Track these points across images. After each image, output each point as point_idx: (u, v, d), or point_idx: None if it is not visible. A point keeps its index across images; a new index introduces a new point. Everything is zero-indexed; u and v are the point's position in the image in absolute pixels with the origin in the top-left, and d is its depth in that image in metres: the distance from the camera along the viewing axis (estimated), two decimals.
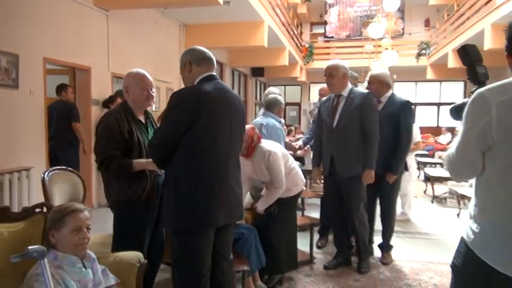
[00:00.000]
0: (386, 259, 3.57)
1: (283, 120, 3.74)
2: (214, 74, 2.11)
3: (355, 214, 3.24)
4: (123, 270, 1.93)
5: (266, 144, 2.89)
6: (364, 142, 3.16)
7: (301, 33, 14.69)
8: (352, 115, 3.15)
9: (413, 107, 3.62)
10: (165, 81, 7.39)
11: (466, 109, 1.32)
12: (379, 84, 3.50)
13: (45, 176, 2.54)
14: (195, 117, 1.91)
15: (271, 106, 3.58)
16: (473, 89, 1.52)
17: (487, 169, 1.32)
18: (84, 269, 1.74)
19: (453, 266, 1.45)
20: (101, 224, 3.29)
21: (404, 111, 3.39)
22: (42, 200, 4.10)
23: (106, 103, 5.46)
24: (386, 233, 3.61)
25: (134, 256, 2.00)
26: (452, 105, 1.66)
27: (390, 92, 3.53)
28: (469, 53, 1.64)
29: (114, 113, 2.35)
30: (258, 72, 13.12)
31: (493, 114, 1.23)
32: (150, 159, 2.18)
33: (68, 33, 4.92)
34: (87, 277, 1.73)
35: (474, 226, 1.34)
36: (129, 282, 1.92)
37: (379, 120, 3.28)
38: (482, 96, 1.27)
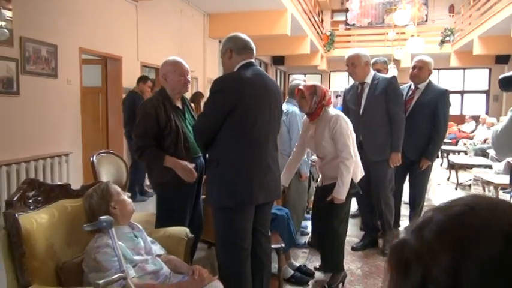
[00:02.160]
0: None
1: None
2: (253, 61, 2.23)
3: (382, 197, 3.33)
4: (172, 243, 2.10)
5: (333, 110, 2.73)
6: (391, 126, 3.23)
7: (322, 21, 14.58)
8: (378, 100, 3.20)
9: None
10: (190, 70, 7.53)
11: None
12: (428, 70, 3.52)
13: (94, 158, 2.72)
14: (236, 102, 2.04)
15: (292, 93, 3.60)
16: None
17: None
18: (136, 238, 1.91)
19: None
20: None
21: (444, 99, 3.44)
22: (80, 182, 4.37)
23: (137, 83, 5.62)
24: (415, 217, 3.69)
25: (182, 231, 2.17)
26: (502, 76, 1.67)
27: (428, 79, 3.55)
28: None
29: (153, 101, 2.48)
30: (278, 60, 13.16)
31: None
32: (186, 163, 2.35)
33: (100, 24, 5.10)
34: (139, 245, 1.90)
35: None
36: (178, 255, 2.08)
37: (416, 107, 3.35)
38: None
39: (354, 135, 2.68)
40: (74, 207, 1.99)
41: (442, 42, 13.24)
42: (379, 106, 3.21)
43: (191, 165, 2.38)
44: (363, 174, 2.82)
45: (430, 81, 3.54)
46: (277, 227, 2.84)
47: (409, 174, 3.69)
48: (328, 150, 2.63)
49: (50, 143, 4.38)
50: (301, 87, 2.70)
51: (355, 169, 2.67)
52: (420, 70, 3.51)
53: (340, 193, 2.54)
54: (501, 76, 1.64)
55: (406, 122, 3.42)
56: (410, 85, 3.61)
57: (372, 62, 4.05)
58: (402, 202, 3.90)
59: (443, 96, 3.45)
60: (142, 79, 5.32)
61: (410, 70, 3.61)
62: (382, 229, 3.54)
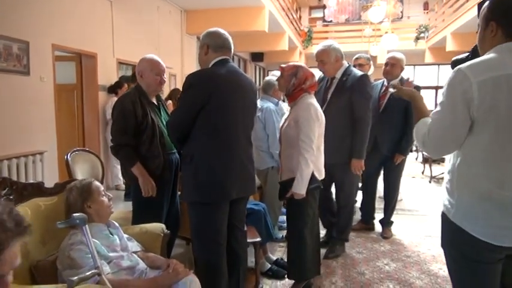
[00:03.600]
0: (386, 234, 3.78)
1: (281, 102, 3.77)
2: (228, 58, 2.25)
3: (342, 205, 3.31)
4: (149, 239, 2.12)
5: (314, 101, 2.53)
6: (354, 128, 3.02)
7: (300, 17, 14.70)
8: (343, 98, 2.99)
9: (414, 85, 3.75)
10: (167, 66, 7.47)
11: (446, 85, 1.37)
12: (400, 67, 3.59)
13: (68, 156, 2.70)
14: (208, 98, 2.06)
15: (266, 89, 3.61)
16: None
17: (467, 145, 1.37)
18: (111, 235, 1.92)
19: (443, 243, 1.53)
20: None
21: None
22: (56, 180, 4.30)
23: (113, 88, 5.59)
24: (388, 210, 3.81)
25: (158, 227, 2.19)
26: (454, 58, 1.74)
27: (401, 75, 3.63)
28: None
29: (130, 96, 2.50)
30: (257, 57, 13.19)
31: (474, 93, 1.28)
32: (151, 180, 2.41)
33: (74, 20, 5.01)
34: (115, 242, 1.91)
35: (453, 200, 1.42)
36: (155, 251, 2.10)
37: (389, 103, 3.43)
38: (463, 75, 1.30)
39: (322, 130, 2.51)
40: (47, 205, 1.97)
41: (417, 38, 13.54)
42: (343, 105, 2.99)
43: (153, 184, 2.43)
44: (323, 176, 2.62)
45: (402, 77, 3.62)
46: (254, 221, 2.88)
47: (383, 169, 3.79)
48: (290, 136, 2.46)
49: (23, 142, 4.29)
50: (283, 65, 2.58)
51: (319, 164, 2.54)
52: (392, 67, 3.59)
53: (299, 188, 2.37)
54: (454, 58, 1.72)
55: (380, 117, 3.53)
56: (383, 81, 3.70)
57: (354, 57, 4.14)
58: (377, 196, 4.01)
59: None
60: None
61: (383, 67, 3.70)
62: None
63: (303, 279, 2.66)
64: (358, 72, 3.12)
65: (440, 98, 1.41)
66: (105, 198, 1.92)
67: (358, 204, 4.24)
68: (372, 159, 3.68)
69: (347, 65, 3.12)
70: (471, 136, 1.35)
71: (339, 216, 3.31)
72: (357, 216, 4.11)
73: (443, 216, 1.49)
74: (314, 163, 2.43)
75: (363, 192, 3.97)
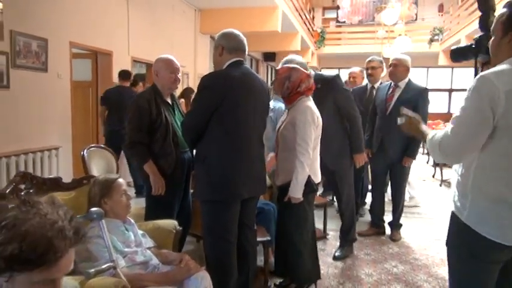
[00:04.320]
0: (395, 236, 3.79)
1: None
2: (243, 60, 2.29)
3: (344, 209, 3.32)
4: (161, 236, 2.18)
5: (312, 104, 2.50)
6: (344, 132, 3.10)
7: (313, 18, 14.67)
8: (328, 105, 2.95)
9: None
10: (181, 65, 7.55)
11: (472, 91, 1.37)
12: (405, 68, 3.57)
13: (85, 152, 2.78)
14: (222, 99, 2.10)
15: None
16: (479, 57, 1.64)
17: (485, 150, 1.40)
18: (126, 231, 1.98)
19: (450, 243, 1.57)
20: None
21: (423, 97, 3.50)
22: (70, 175, 4.40)
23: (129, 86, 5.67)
24: (397, 212, 3.81)
25: (171, 223, 2.25)
26: (454, 47, 1.75)
27: (408, 77, 3.62)
28: (488, 0, 1.65)
29: (146, 95, 2.58)
30: (269, 57, 13.20)
31: (502, 101, 1.31)
32: (161, 179, 2.48)
33: (91, 18, 5.11)
34: (130, 238, 1.97)
35: (466, 202, 1.46)
36: (167, 247, 2.16)
37: (396, 106, 3.41)
38: (491, 83, 1.32)
39: (318, 133, 2.49)
40: (65, 200, 2.04)
41: (431, 41, 13.43)
42: (332, 112, 2.99)
43: (163, 183, 2.51)
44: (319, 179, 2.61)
45: (409, 79, 3.61)
46: (264, 220, 2.92)
47: (390, 171, 3.79)
48: (287, 138, 2.44)
49: (39, 137, 4.39)
50: (279, 67, 2.57)
51: (315, 167, 2.50)
52: (395, 67, 3.58)
53: (295, 191, 2.36)
54: (454, 47, 1.73)
55: (387, 119, 3.53)
56: (391, 83, 3.69)
57: (367, 60, 4.16)
58: (386, 199, 4.02)
59: (422, 94, 3.53)
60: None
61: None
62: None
63: (303, 283, 2.65)
64: (327, 76, 3.13)
65: (464, 104, 1.41)
66: (123, 198, 1.97)
67: (367, 206, 4.29)
68: (378, 160, 3.74)
69: (313, 73, 3.05)
70: (490, 142, 1.39)
71: (342, 220, 3.34)
72: (367, 217, 4.14)
73: (454, 217, 1.53)
74: (310, 166, 2.40)
75: (372, 194, 3.99)
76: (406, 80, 3.60)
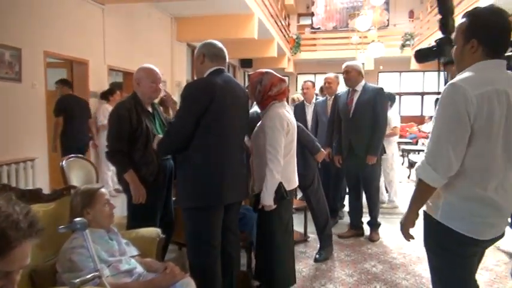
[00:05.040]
0: (373, 237, 3.89)
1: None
2: (224, 68, 2.34)
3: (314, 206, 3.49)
4: (144, 244, 2.18)
5: (285, 109, 2.46)
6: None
7: (288, 24, 14.87)
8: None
9: (386, 93, 3.95)
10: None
11: (446, 99, 1.44)
12: (356, 73, 3.79)
13: (64, 163, 2.75)
14: (206, 106, 2.14)
15: None
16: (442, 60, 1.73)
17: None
18: (110, 241, 1.98)
19: (427, 243, 1.64)
20: None
21: (379, 96, 3.71)
22: (47, 187, 4.32)
23: (105, 95, 5.63)
24: (373, 211, 3.93)
25: (154, 231, 2.26)
26: (417, 48, 1.86)
27: (363, 81, 3.83)
28: (446, 3, 1.76)
29: (125, 103, 2.59)
30: (246, 63, 13.29)
31: (474, 106, 1.39)
32: (142, 188, 2.48)
33: (66, 27, 5.05)
34: (114, 248, 1.97)
35: (439, 201, 1.54)
36: (151, 254, 2.17)
37: (357, 107, 3.63)
38: (462, 88, 1.40)
39: (291, 139, 2.47)
40: (45, 211, 2.02)
41: (403, 46, 13.83)
42: None
43: (144, 192, 2.50)
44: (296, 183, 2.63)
45: (365, 82, 3.83)
46: (247, 225, 2.95)
47: (362, 173, 3.89)
48: (258, 145, 2.43)
49: (14, 149, 4.30)
50: (251, 72, 2.60)
51: (288, 174, 2.48)
52: (348, 74, 3.81)
53: (265, 199, 2.33)
54: (417, 48, 1.84)
55: (350, 122, 3.75)
56: (349, 89, 3.89)
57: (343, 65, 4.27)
58: (362, 200, 4.12)
59: (379, 93, 3.74)
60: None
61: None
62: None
63: None
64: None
65: (439, 114, 1.46)
66: (106, 208, 1.97)
67: (346, 209, 4.38)
68: (350, 163, 3.86)
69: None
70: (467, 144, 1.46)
71: (315, 217, 3.46)
72: (347, 219, 4.22)
73: (427, 217, 1.61)
74: (282, 173, 2.36)
75: (349, 197, 4.09)
76: (362, 83, 3.80)
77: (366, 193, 3.99)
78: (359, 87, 3.78)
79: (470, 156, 1.47)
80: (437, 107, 1.49)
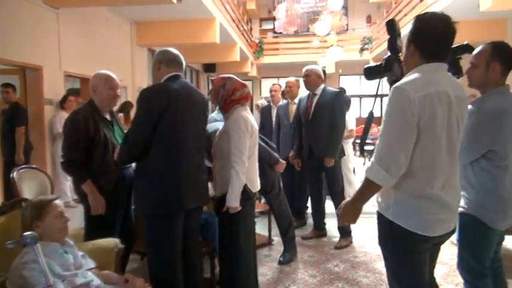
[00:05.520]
0: (340, 243, 3.81)
1: None
2: (180, 74, 2.33)
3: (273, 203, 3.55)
4: (102, 255, 2.12)
5: (247, 113, 2.50)
6: None
7: (251, 29, 14.97)
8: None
9: (345, 95, 4.08)
10: (118, 79, 7.37)
11: (391, 103, 1.50)
12: (316, 76, 3.87)
13: (15, 174, 2.63)
14: (163, 112, 2.12)
15: None
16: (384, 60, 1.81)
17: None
18: (65, 254, 1.91)
19: (381, 241, 1.70)
20: None
21: (338, 99, 3.79)
22: None
23: (61, 102, 5.44)
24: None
25: (112, 242, 2.20)
26: (366, 66, 1.93)
27: (323, 85, 3.92)
28: (395, 26, 1.84)
29: (82, 111, 2.51)
30: (209, 68, 13.25)
31: (417, 107, 1.45)
32: (102, 198, 2.41)
33: (17, 32, 4.84)
34: (69, 261, 1.90)
35: (389, 200, 1.60)
36: (109, 266, 2.11)
37: (316, 110, 3.70)
38: (406, 91, 1.47)
39: (254, 142, 2.49)
40: None
41: (362, 50, 14.28)
42: None
43: (103, 202, 2.44)
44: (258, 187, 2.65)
45: (324, 86, 3.92)
46: (209, 231, 2.94)
47: (325, 177, 3.98)
48: (222, 148, 2.44)
49: None
50: (214, 77, 2.62)
51: (252, 176, 2.51)
52: (308, 77, 3.89)
53: (231, 200, 2.33)
54: (366, 66, 1.91)
55: (310, 125, 3.82)
56: (309, 93, 3.96)
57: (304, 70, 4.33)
58: (325, 202, 4.20)
59: (337, 96, 3.81)
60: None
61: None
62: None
63: None
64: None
65: (386, 117, 1.52)
66: (57, 221, 1.89)
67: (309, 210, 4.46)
68: (310, 166, 3.93)
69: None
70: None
71: (277, 220, 3.50)
72: (311, 221, 4.29)
73: (380, 216, 1.67)
74: (246, 175, 2.39)
75: (311, 199, 4.16)
76: (322, 86, 3.88)
77: (331, 196, 4.03)
78: (318, 91, 3.85)
79: (416, 155, 1.53)
80: (384, 109, 1.55)
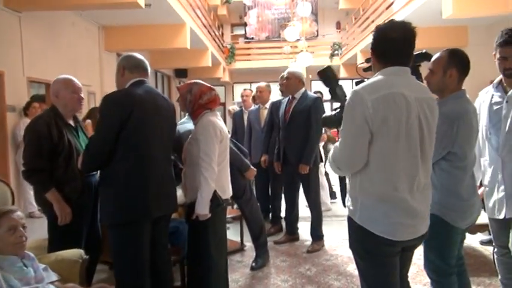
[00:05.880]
0: (312, 247, 3.80)
1: None
2: (145, 79, 2.29)
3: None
4: (65, 267, 2.04)
5: (216, 118, 2.47)
6: None
7: (222, 34, 14.99)
8: None
9: (324, 102, 4.04)
10: (86, 84, 7.19)
11: (347, 107, 1.58)
12: (297, 80, 3.84)
13: None
14: (126, 118, 2.07)
15: None
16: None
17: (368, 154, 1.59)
18: (25, 268, 1.83)
19: (351, 244, 1.73)
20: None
21: (316, 106, 3.75)
22: None
23: (24, 109, 5.25)
24: (314, 222, 3.90)
25: (75, 253, 2.12)
26: (324, 116, 2.00)
27: (303, 89, 3.89)
28: (329, 76, 1.92)
29: (44, 117, 2.42)
30: (181, 73, 13.15)
31: (370, 109, 1.51)
32: (67, 207, 2.33)
33: None
34: (29, 275, 1.82)
35: (357, 204, 1.63)
36: (73, 278, 2.03)
37: (293, 115, 3.68)
38: (360, 95, 1.54)
39: (224, 147, 2.47)
40: None
41: (332, 55, 14.54)
42: None
43: (69, 211, 2.36)
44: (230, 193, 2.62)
45: (305, 90, 3.90)
46: (179, 239, 2.89)
47: (301, 184, 3.94)
48: (192, 154, 2.40)
49: None
50: (179, 84, 2.62)
51: (222, 182, 2.48)
52: (288, 80, 3.86)
53: (201, 207, 2.29)
54: (320, 70, 1.96)
55: (286, 130, 3.79)
56: (289, 97, 3.93)
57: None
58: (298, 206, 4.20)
59: (315, 102, 3.78)
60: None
61: None
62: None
63: None
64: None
65: (344, 119, 1.61)
66: (11, 234, 1.80)
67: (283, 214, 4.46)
68: (285, 171, 3.93)
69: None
70: (370, 146, 1.57)
71: (249, 226, 3.48)
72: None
73: (349, 219, 1.70)
74: (217, 181, 2.36)
75: (285, 204, 4.17)
76: (302, 90, 3.86)
77: (307, 202, 4.00)
78: (298, 95, 3.80)
79: (372, 157, 1.57)
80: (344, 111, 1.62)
